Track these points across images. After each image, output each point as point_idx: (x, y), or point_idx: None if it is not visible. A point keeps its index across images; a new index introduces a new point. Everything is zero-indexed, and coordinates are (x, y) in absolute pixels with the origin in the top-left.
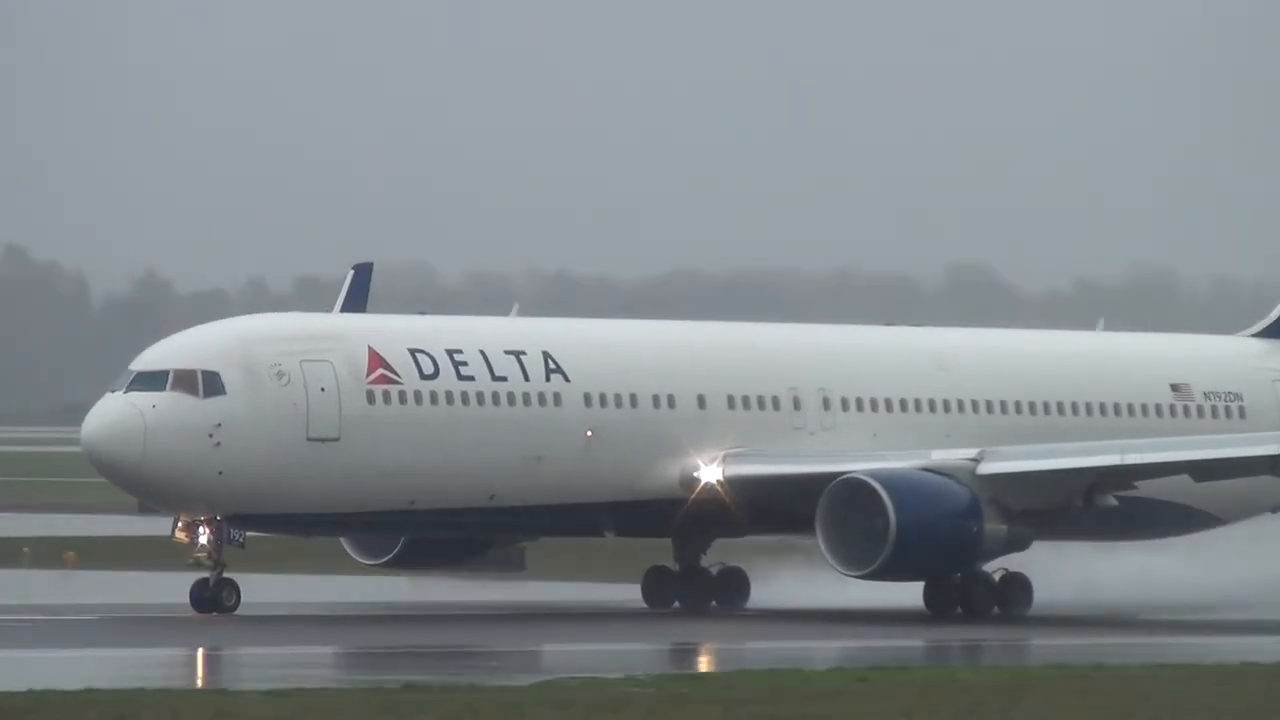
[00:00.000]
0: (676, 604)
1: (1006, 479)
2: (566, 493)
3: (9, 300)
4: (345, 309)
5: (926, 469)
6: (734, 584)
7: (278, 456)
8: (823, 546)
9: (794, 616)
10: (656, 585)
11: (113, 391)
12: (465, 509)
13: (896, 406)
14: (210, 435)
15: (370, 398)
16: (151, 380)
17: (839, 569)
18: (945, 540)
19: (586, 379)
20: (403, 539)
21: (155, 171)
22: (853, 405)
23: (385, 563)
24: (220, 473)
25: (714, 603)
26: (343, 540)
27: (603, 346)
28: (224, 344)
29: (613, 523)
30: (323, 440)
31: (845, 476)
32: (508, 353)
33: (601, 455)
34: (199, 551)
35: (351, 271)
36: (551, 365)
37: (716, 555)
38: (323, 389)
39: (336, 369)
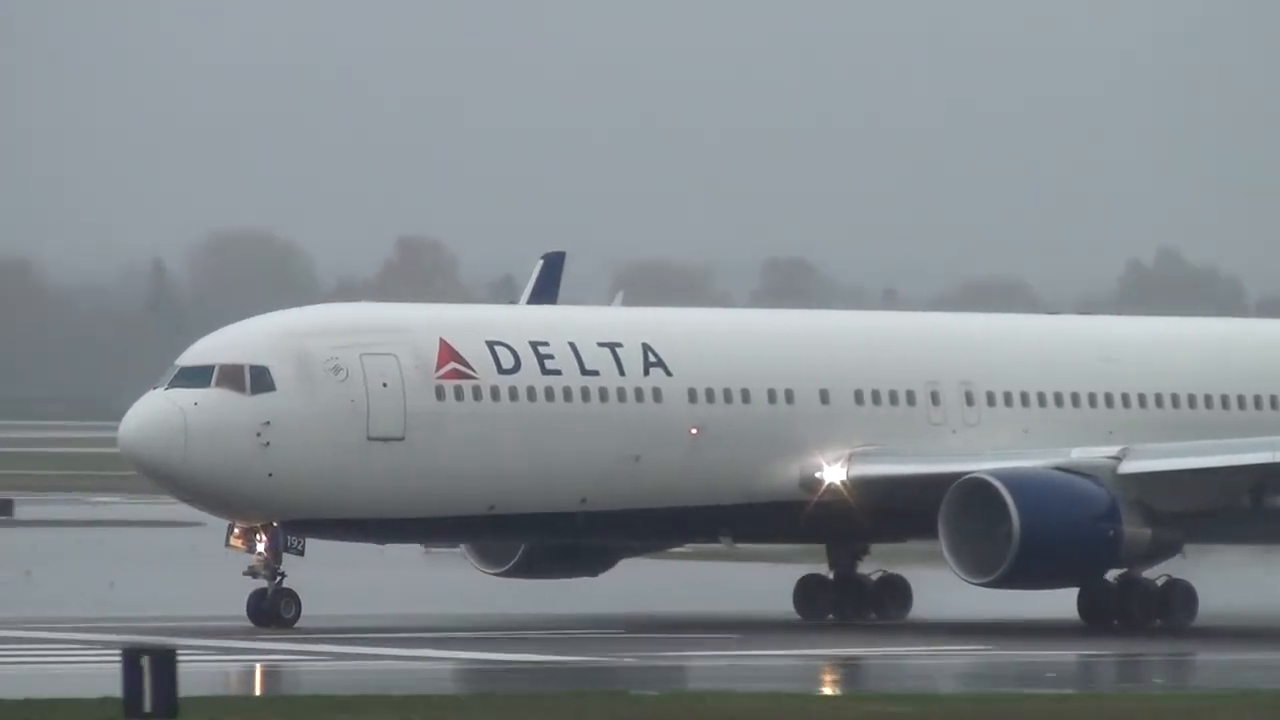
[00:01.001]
0: (830, 616)
1: (1152, 479)
2: (668, 496)
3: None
4: (533, 301)
5: (1061, 468)
6: (894, 593)
7: (334, 457)
8: (946, 552)
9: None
10: (810, 595)
11: (155, 388)
12: (553, 514)
13: (1051, 401)
14: (258, 434)
15: (439, 394)
16: (195, 376)
17: (962, 576)
18: (1077, 545)
19: (691, 373)
20: (522, 546)
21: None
22: (1000, 400)
23: (505, 571)
24: (270, 475)
25: (873, 614)
26: (463, 548)
27: (711, 338)
28: (275, 337)
29: (721, 527)
30: (385, 440)
31: (967, 477)
32: (601, 345)
33: (709, 455)
34: (254, 559)
35: (541, 261)
36: (651, 358)
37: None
38: (385, 384)
39: (401, 363)
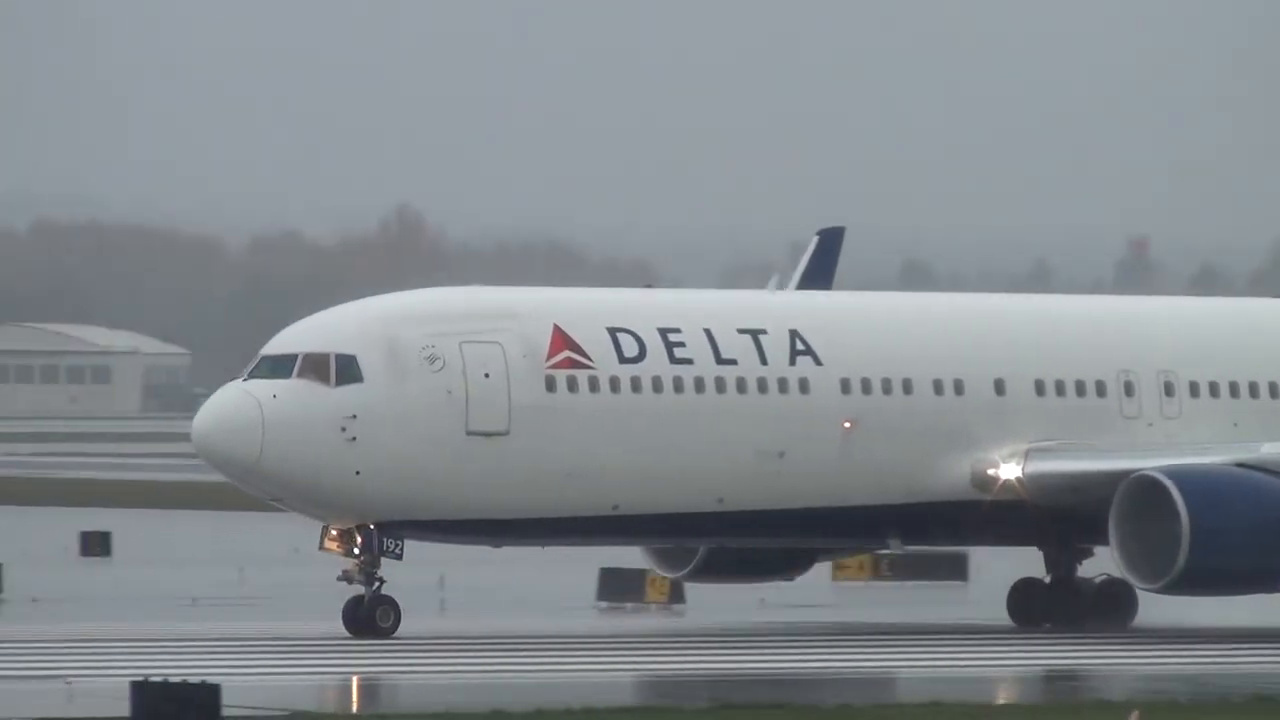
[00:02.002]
0: (1048, 625)
1: None
2: (817, 495)
3: None
4: (805, 281)
5: (1246, 464)
6: (1117, 599)
7: (428, 453)
8: (1115, 555)
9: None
10: (1025, 600)
11: (235, 378)
12: (687, 514)
13: (1265, 391)
14: (343, 429)
15: (550, 384)
16: (278, 365)
17: (1134, 581)
18: (1257, 549)
19: (844, 362)
20: (701, 548)
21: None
22: (1205, 390)
23: (685, 574)
24: (358, 472)
25: (1093, 622)
26: (643, 551)
27: (867, 324)
28: (364, 323)
29: (880, 528)
30: (487, 434)
31: (1136, 474)
32: (742, 331)
33: (864, 451)
34: (350, 564)
35: (816, 237)
36: (799, 346)
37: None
38: (486, 374)
39: (506, 351)
